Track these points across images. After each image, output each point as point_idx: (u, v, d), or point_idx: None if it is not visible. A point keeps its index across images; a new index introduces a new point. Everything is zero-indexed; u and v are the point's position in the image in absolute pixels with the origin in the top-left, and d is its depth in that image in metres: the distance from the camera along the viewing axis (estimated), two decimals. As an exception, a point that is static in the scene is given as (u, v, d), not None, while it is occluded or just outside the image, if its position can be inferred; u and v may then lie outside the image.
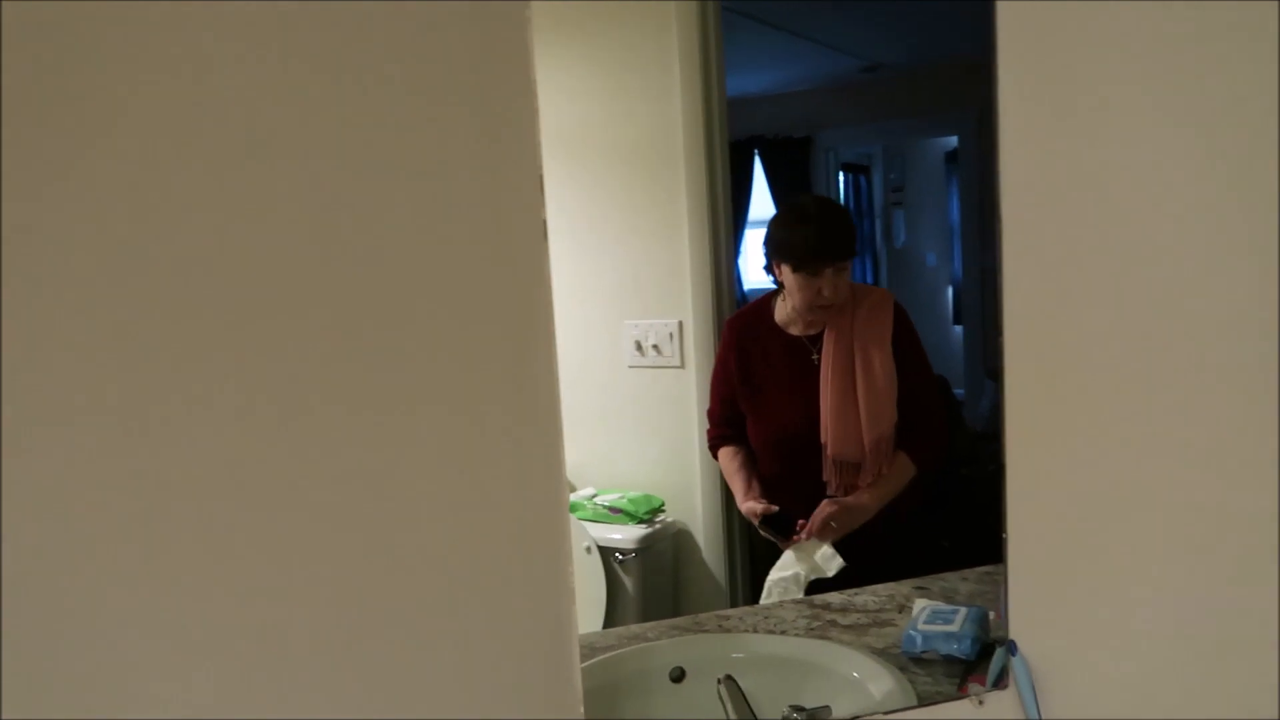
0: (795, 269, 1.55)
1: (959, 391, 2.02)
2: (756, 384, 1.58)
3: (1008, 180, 1.13)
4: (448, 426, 0.85)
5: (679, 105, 1.61)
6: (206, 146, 0.77)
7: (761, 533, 1.57)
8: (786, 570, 1.54)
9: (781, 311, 1.59)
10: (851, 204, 2.47)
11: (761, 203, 2.35)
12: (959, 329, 2.22)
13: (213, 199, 0.77)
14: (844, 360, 1.54)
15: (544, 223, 0.86)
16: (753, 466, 1.57)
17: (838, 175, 2.42)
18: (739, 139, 2.32)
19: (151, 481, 0.77)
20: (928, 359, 1.68)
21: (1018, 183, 1.14)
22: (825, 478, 1.54)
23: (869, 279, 2.52)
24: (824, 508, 1.50)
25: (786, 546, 1.56)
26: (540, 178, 0.86)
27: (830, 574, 1.51)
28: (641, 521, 1.58)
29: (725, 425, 1.58)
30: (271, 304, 0.79)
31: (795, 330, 1.58)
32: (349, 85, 0.80)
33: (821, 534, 1.49)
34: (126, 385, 0.76)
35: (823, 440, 1.53)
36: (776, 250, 1.60)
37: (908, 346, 1.59)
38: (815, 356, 1.55)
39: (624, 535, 1.58)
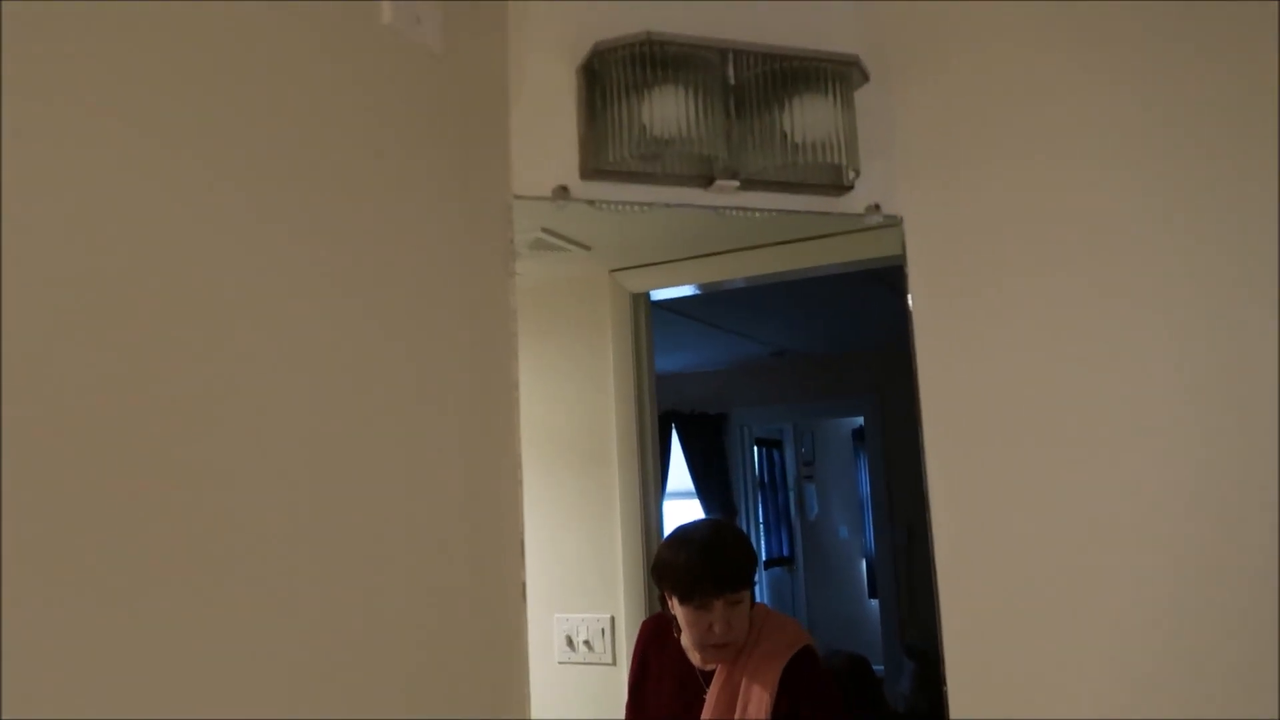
0: (682, 601, 1.37)
1: (878, 668, 2.03)
2: (644, 703, 1.42)
3: (931, 449, 1.18)
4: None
5: (611, 397, 1.68)
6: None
7: None
8: None
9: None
10: (765, 477, 2.58)
11: (679, 474, 2.44)
12: (874, 602, 2.27)
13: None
14: (725, 709, 1.34)
15: (523, 585, 0.88)
16: None
17: (752, 449, 2.54)
18: (658, 413, 2.43)
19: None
20: (836, 707, 1.47)
21: (939, 452, 1.20)
22: None
23: (784, 551, 2.59)
24: None
25: None
26: (521, 547, 0.88)
27: None
28: (571, 832, 1.49)
29: None
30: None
31: (695, 658, 1.40)
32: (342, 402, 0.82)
33: None
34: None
35: None
36: (662, 578, 1.41)
37: (807, 699, 1.36)
38: (705, 694, 1.37)
39: (551, 846, 1.47)
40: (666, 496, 2.44)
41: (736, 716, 1.37)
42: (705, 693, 1.40)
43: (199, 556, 0.73)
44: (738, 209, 1.00)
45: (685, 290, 1.83)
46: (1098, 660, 1.18)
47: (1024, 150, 1.12)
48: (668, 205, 0.99)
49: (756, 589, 2.45)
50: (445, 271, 0.91)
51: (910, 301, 1.17)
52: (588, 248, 1.57)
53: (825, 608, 2.37)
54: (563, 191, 0.97)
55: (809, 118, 0.95)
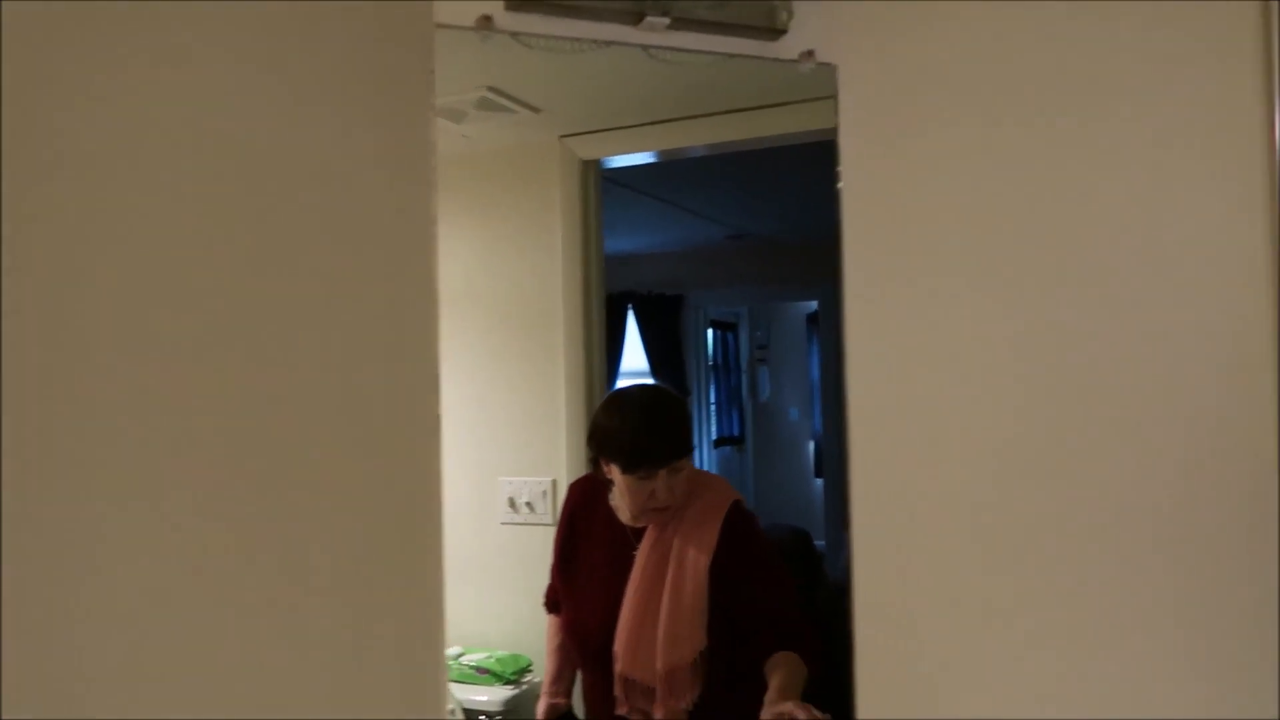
0: (625, 470, 1.35)
1: (820, 543, 2.10)
2: (573, 568, 1.44)
3: (852, 346, 1.18)
4: (335, 598, 0.83)
5: (559, 265, 1.67)
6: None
7: None
8: None
9: (615, 494, 1.41)
10: (719, 359, 2.61)
11: (633, 355, 2.46)
12: (820, 481, 2.33)
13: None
14: (657, 567, 1.36)
15: (438, 417, 0.88)
16: (569, 651, 1.44)
17: (706, 331, 2.56)
18: (613, 293, 2.43)
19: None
20: (775, 557, 1.48)
21: (861, 348, 1.20)
22: (616, 693, 1.34)
23: (735, 431, 2.64)
24: None
25: None
26: (437, 376, 0.88)
27: None
28: (509, 682, 1.54)
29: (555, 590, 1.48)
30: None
31: (625, 516, 1.39)
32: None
33: None
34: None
35: (615, 651, 1.35)
36: (603, 447, 1.39)
37: (745, 551, 1.40)
38: (636, 552, 1.38)
39: (490, 696, 1.53)
40: (621, 376, 2.47)
41: (670, 575, 1.40)
42: (635, 550, 1.42)
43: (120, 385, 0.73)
44: (668, 49, 0.98)
45: (637, 158, 1.80)
46: (1008, 551, 1.20)
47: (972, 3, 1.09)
48: (595, 41, 0.97)
49: (707, 466, 2.51)
50: (361, 99, 0.89)
51: (840, 160, 1.14)
52: (536, 110, 1.53)
53: (772, 485, 2.43)
54: (486, 21, 0.94)
55: (743, -46, 0.92)
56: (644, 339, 2.36)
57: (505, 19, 0.95)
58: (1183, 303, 1.12)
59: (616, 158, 1.75)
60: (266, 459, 0.83)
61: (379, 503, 0.88)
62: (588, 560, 1.45)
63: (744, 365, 2.45)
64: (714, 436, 2.41)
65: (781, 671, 1.31)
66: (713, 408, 2.41)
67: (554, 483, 1.58)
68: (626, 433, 1.41)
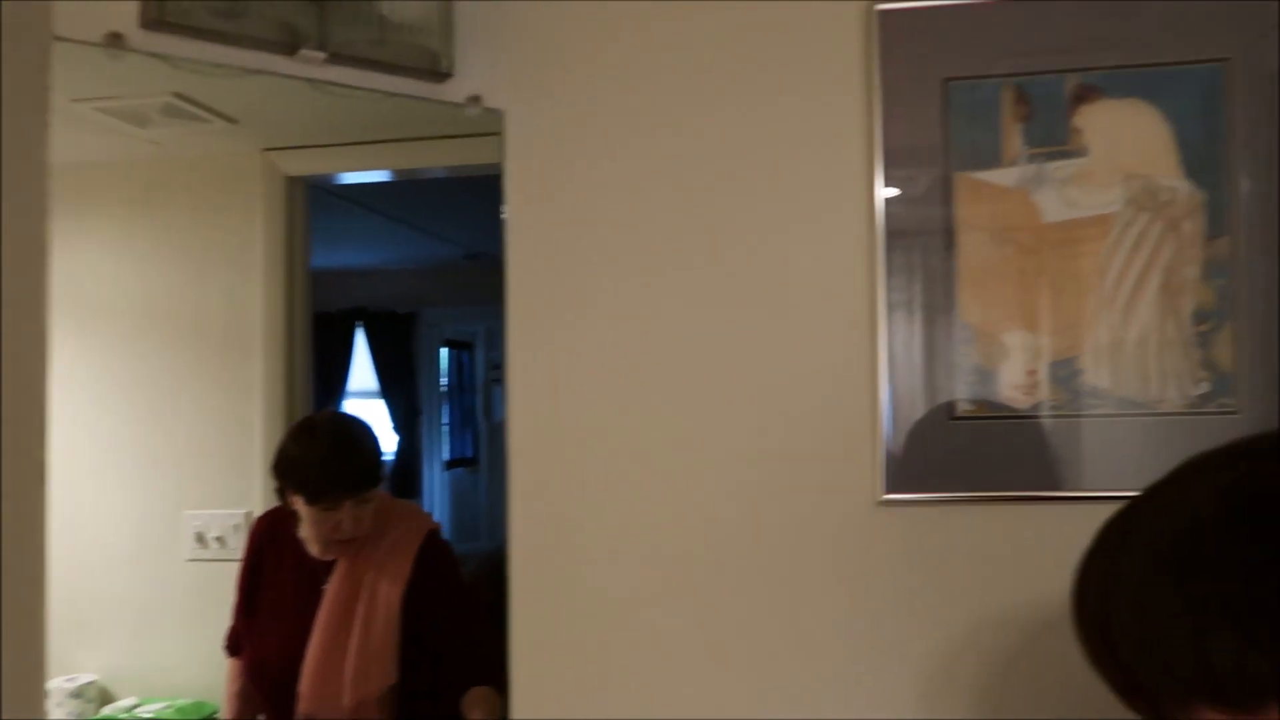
0: (310, 502, 1.31)
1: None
2: (258, 601, 1.37)
3: (513, 371, 1.20)
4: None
5: (258, 281, 1.57)
6: None
7: None
8: None
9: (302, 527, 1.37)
10: (454, 379, 2.57)
11: (362, 374, 2.37)
12: (551, 501, 2.34)
13: None
14: (347, 600, 1.33)
15: (42, 465, 0.80)
16: (249, 697, 1.37)
17: (440, 350, 2.51)
18: (339, 310, 2.34)
19: None
20: (469, 588, 1.48)
21: (520, 372, 1.22)
22: None
23: (469, 452, 2.61)
24: None
25: None
26: (44, 423, 0.79)
27: None
28: (190, 733, 1.44)
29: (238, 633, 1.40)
30: None
31: (313, 550, 1.34)
32: None
33: None
34: None
35: (300, 690, 1.30)
36: (287, 476, 1.34)
37: (441, 582, 1.39)
38: (326, 586, 1.35)
39: (169, 750, 1.43)
40: (349, 396, 2.38)
41: (361, 608, 1.36)
42: (325, 585, 1.37)
43: None
44: (326, 83, 0.95)
45: (365, 175, 1.74)
46: (657, 560, 1.24)
47: (634, 56, 1.13)
48: (245, 70, 0.92)
49: (438, 489, 2.46)
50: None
51: (505, 195, 1.16)
52: (233, 120, 1.44)
53: (506, 506, 2.41)
54: (116, 39, 0.86)
55: (405, -6, 0.91)
56: (374, 358, 2.28)
57: (141, 38, 0.88)
58: (798, 329, 1.21)
59: (325, 174, 1.69)
60: None
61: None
62: (275, 597, 1.38)
63: (479, 385, 2.43)
64: (446, 458, 2.38)
65: (479, 715, 1.32)
66: (446, 428, 2.38)
67: (248, 515, 1.49)
68: (310, 462, 1.36)
